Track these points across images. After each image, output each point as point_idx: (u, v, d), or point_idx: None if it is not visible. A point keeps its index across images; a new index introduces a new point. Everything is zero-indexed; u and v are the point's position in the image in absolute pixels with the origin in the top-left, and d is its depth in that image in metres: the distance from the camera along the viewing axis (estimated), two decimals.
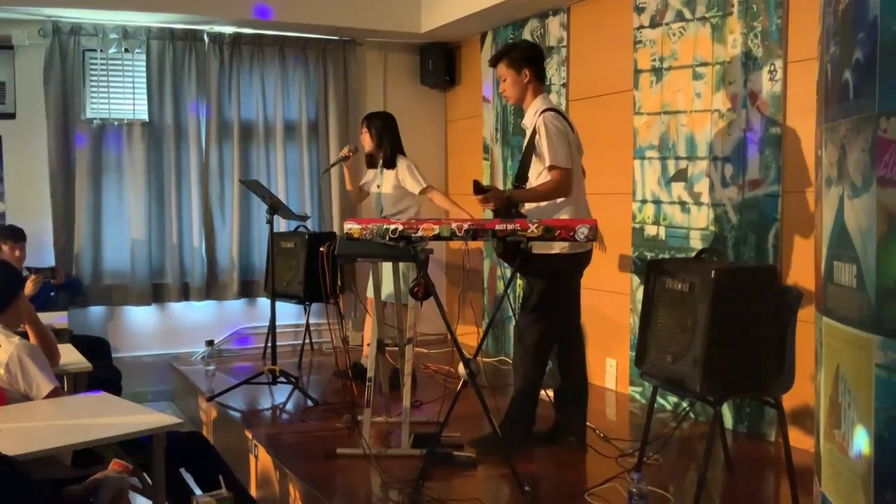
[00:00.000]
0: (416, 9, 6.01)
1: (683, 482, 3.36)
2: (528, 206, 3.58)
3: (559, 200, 3.55)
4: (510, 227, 3.02)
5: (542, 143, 3.52)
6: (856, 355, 1.88)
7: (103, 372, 4.28)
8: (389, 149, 4.71)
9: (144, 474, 2.64)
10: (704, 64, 4.15)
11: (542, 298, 3.53)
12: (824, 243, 2.10)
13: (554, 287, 3.56)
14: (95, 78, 5.66)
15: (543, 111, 3.60)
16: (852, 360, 1.91)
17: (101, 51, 5.62)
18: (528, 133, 3.64)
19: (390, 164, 4.71)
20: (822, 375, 2.16)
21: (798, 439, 3.41)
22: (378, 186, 4.78)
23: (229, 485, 2.79)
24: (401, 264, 4.16)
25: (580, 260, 3.64)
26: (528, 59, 3.68)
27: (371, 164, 4.88)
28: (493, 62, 3.77)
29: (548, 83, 5.32)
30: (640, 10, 4.54)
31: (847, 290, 1.92)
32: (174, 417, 2.73)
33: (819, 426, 2.20)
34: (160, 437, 2.58)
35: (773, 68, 3.79)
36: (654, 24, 4.45)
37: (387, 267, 4.64)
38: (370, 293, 4.83)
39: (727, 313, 2.86)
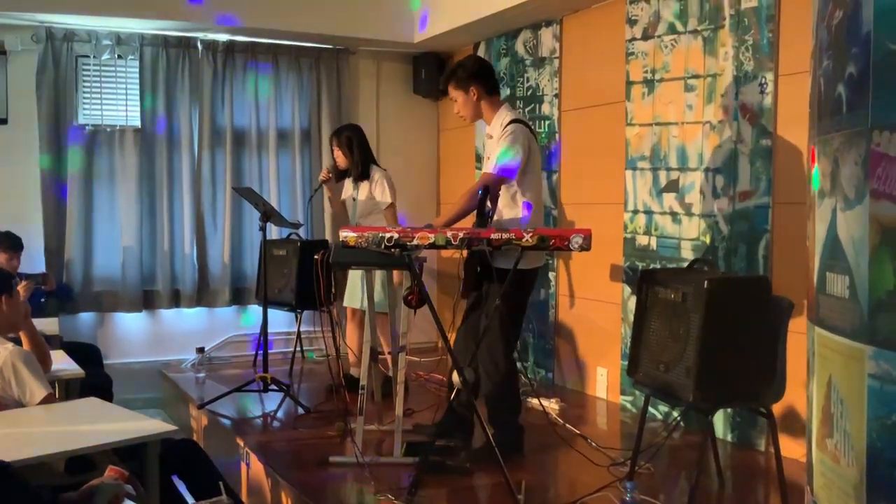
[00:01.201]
0: (409, 18, 6.04)
1: (675, 491, 3.38)
2: (498, 212, 3.63)
3: (520, 208, 3.61)
4: (505, 235, 3.04)
5: (497, 147, 3.57)
6: (848, 365, 1.90)
7: (94, 379, 4.25)
8: (361, 161, 4.73)
9: (138, 482, 2.63)
10: (696, 76, 4.19)
11: (506, 308, 3.55)
12: (816, 254, 2.13)
13: (517, 298, 3.60)
14: (88, 84, 5.66)
15: (512, 122, 3.64)
16: (845, 370, 1.93)
17: (94, 57, 5.62)
18: (495, 140, 3.66)
19: (363, 175, 4.74)
20: (815, 385, 2.18)
21: (788, 448, 3.44)
22: (354, 200, 4.83)
23: (226, 492, 2.79)
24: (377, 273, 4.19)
25: (537, 273, 3.75)
26: (473, 77, 3.71)
27: (346, 176, 4.89)
28: (442, 86, 3.83)
29: (540, 93, 5.36)
30: (632, 22, 4.58)
31: (839, 300, 1.94)
32: (168, 424, 2.73)
33: (811, 435, 2.22)
34: (154, 444, 2.58)
35: (763, 81, 3.83)
36: (646, 37, 4.49)
37: (355, 275, 4.68)
38: (347, 302, 4.85)
39: (719, 323, 2.88)
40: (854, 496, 1.88)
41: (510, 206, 3.64)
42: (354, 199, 4.82)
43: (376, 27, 5.98)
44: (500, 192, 3.63)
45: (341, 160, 4.79)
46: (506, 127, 3.63)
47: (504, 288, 3.23)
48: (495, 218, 3.63)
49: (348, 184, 4.93)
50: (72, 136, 5.56)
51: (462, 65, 3.79)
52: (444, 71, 3.93)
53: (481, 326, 3.55)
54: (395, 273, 4.25)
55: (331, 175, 4.81)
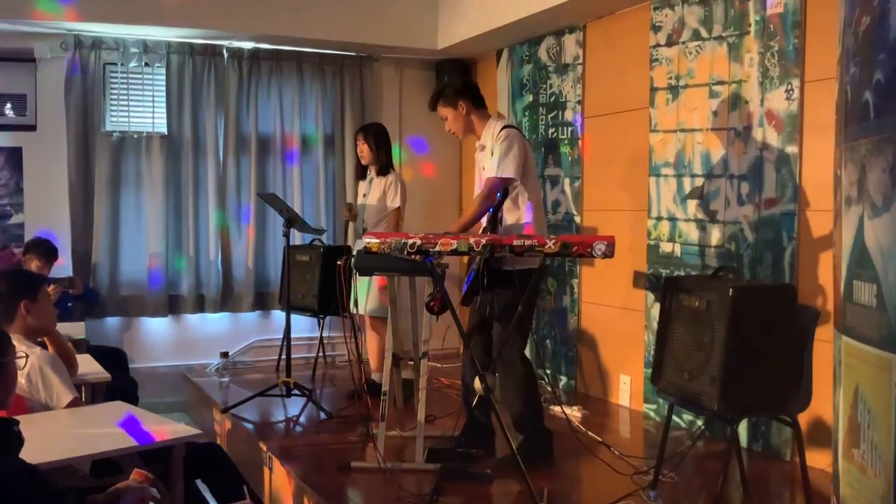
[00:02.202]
0: (432, 25, 6.06)
1: (698, 501, 3.35)
2: (505, 222, 3.66)
3: (522, 210, 3.66)
4: (528, 242, 3.03)
5: (496, 152, 3.63)
6: (876, 375, 1.88)
7: (120, 383, 4.29)
8: (385, 158, 4.91)
9: (162, 484, 2.65)
10: (721, 82, 4.17)
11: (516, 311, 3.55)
12: (844, 262, 2.11)
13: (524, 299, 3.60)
14: (115, 91, 5.73)
15: (504, 128, 3.71)
16: (872, 380, 1.91)
17: (121, 64, 5.69)
18: (488, 151, 3.72)
19: (385, 171, 4.88)
20: (841, 394, 2.16)
21: (813, 458, 3.40)
22: (364, 196, 4.92)
23: (250, 495, 2.81)
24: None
25: (543, 274, 3.80)
26: (459, 93, 3.83)
27: (363, 175, 5.03)
28: (431, 107, 3.93)
29: (563, 100, 5.35)
30: (656, 28, 4.57)
31: (867, 309, 1.92)
32: (193, 428, 2.75)
33: (837, 445, 2.20)
34: (180, 447, 2.60)
35: (789, 87, 3.80)
36: (670, 43, 4.48)
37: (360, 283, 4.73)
38: (360, 309, 4.87)
39: (745, 331, 2.86)
40: None
41: (511, 210, 3.69)
42: (365, 198, 4.91)
43: (399, 35, 6.00)
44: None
45: (366, 154, 4.91)
46: (499, 133, 3.67)
47: (508, 292, 3.23)
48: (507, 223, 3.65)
49: (361, 186, 5.04)
50: (99, 142, 5.63)
51: (447, 84, 4.01)
52: (432, 94, 4.02)
53: (496, 334, 3.56)
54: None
55: (351, 210, 4.97)
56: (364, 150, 4.91)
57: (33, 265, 4.80)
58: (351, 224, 5.13)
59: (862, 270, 1.96)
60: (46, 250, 4.90)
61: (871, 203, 1.90)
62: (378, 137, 4.91)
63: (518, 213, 3.68)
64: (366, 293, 4.82)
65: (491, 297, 3.63)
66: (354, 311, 4.90)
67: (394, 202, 4.85)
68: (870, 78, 1.93)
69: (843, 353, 2.12)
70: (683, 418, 4.35)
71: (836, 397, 2.23)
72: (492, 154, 3.68)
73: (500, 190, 3.64)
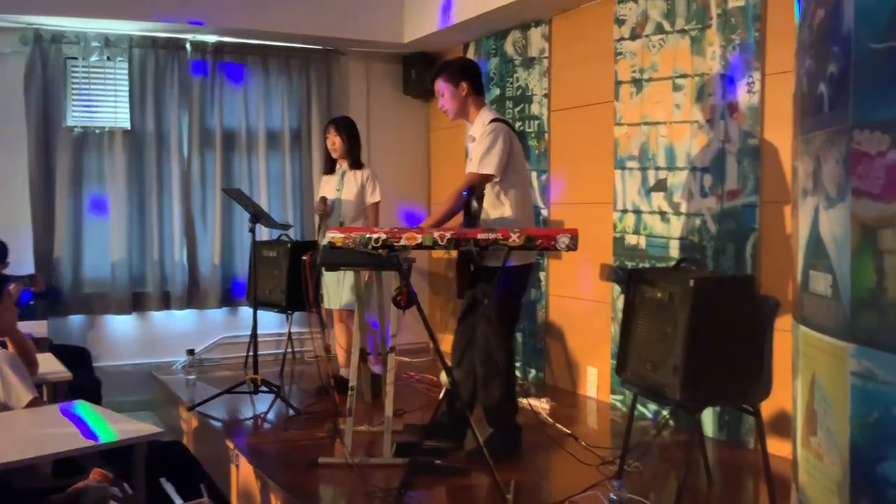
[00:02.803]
0: (398, 19, 6.04)
1: (664, 490, 3.39)
2: (484, 211, 3.64)
3: (506, 206, 3.63)
4: (492, 236, 3.04)
5: (479, 146, 3.61)
6: (831, 363, 1.91)
7: (83, 381, 4.24)
8: (358, 151, 4.89)
9: (125, 484, 2.63)
10: (684, 76, 4.20)
11: (500, 308, 3.56)
12: (800, 253, 2.14)
13: (510, 295, 3.61)
14: (77, 86, 5.64)
15: (492, 121, 3.68)
16: (828, 369, 1.94)
17: (82, 59, 5.60)
18: (477, 141, 3.70)
19: (358, 164, 4.85)
20: (799, 383, 2.19)
21: (776, 446, 3.45)
22: (338, 190, 4.84)
23: (211, 494, 2.79)
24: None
25: (531, 271, 3.77)
26: (465, 73, 3.76)
27: (331, 169, 4.96)
28: (432, 78, 3.86)
29: (530, 93, 5.36)
30: (620, 22, 4.59)
31: (823, 299, 1.95)
32: (155, 426, 2.72)
33: (796, 433, 2.23)
34: (141, 446, 2.57)
35: (751, 80, 3.84)
36: (634, 36, 4.50)
37: (329, 277, 4.71)
38: (331, 304, 4.85)
39: (706, 322, 2.89)
40: (837, 493, 1.89)
41: (495, 205, 3.66)
42: (339, 192, 4.83)
43: (366, 28, 5.98)
44: (486, 191, 3.64)
45: (338, 147, 4.84)
46: (486, 126, 3.65)
47: (495, 287, 3.24)
48: (482, 218, 3.64)
49: (329, 180, 4.95)
50: (61, 137, 5.54)
51: (453, 61, 3.89)
52: (434, 67, 3.96)
53: (477, 327, 3.56)
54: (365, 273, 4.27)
55: (326, 206, 4.84)
56: (336, 143, 4.84)
57: None
58: (323, 220, 5.06)
59: (817, 261, 1.99)
60: None
61: (826, 194, 1.93)
62: (350, 130, 4.87)
63: (502, 208, 3.65)
64: (339, 288, 4.79)
65: (476, 291, 3.64)
66: (326, 307, 4.90)
67: (374, 197, 4.80)
68: (824, 70, 1.95)
69: (801, 343, 2.15)
70: (649, 408, 4.39)
71: (794, 386, 2.26)
72: None
73: (477, 185, 3.61)
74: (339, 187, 4.86)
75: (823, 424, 1.98)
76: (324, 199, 4.89)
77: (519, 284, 3.70)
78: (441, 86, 3.78)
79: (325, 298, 4.83)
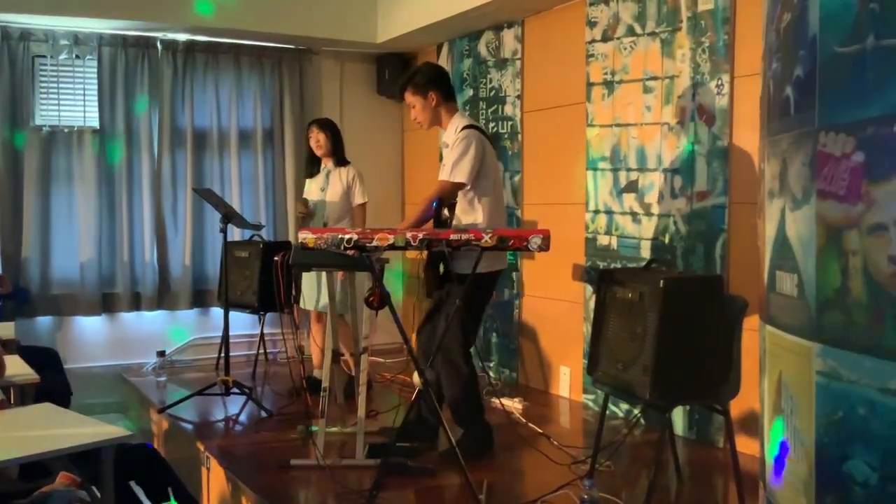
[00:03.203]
0: (372, 19, 6.03)
1: (635, 488, 3.41)
2: (457, 217, 3.66)
3: (479, 212, 3.64)
4: (464, 236, 3.04)
5: (451, 154, 3.60)
6: (797, 362, 1.94)
7: (51, 384, 4.18)
8: (341, 148, 4.87)
9: (93, 487, 2.60)
10: (654, 78, 4.24)
11: (460, 310, 3.56)
12: (767, 253, 2.17)
13: (476, 300, 3.62)
14: (45, 84, 5.57)
15: (465, 128, 3.67)
16: (794, 368, 1.97)
17: (51, 57, 5.53)
18: (449, 148, 3.70)
19: (343, 162, 4.83)
20: (766, 382, 2.22)
21: (746, 445, 3.49)
22: (322, 190, 4.81)
23: (179, 497, 2.76)
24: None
25: (499, 277, 3.78)
26: (432, 82, 3.74)
27: (314, 169, 4.93)
28: (399, 91, 3.83)
29: (503, 94, 5.38)
30: (592, 24, 4.62)
31: (788, 299, 1.98)
32: (123, 430, 2.69)
33: (764, 432, 2.26)
34: (108, 449, 2.54)
35: (720, 83, 3.88)
36: (605, 38, 4.53)
37: (309, 277, 4.68)
38: (307, 305, 4.83)
39: (676, 322, 2.92)
40: (804, 491, 1.91)
41: (467, 212, 3.66)
42: (323, 192, 4.79)
43: (339, 28, 5.96)
44: (458, 198, 3.65)
45: (323, 144, 4.80)
46: (459, 132, 3.65)
47: (463, 292, 3.24)
48: (454, 224, 3.64)
49: (313, 184, 4.92)
50: (28, 136, 5.46)
51: (419, 70, 3.83)
52: (402, 76, 3.93)
53: (439, 329, 3.56)
54: (341, 273, 4.25)
55: (306, 209, 4.81)
56: (321, 140, 4.79)
57: None
58: (305, 223, 5.01)
59: (784, 261, 2.01)
60: None
61: (792, 196, 1.96)
62: (334, 129, 4.85)
63: (475, 214, 3.65)
64: (316, 289, 4.76)
65: (442, 293, 3.64)
66: (303, 307, 4.87)
67: (360, 197, 4.76)
68: (791, 73, 1.98)
69: (768, 342, 2.18)
70: (621, 408, 4.42)
71: (761, 385, 2.29)
72: None
73: (448, 193, 3.61)
74: (323, 186, 4.81)
75: (790, 423, 2.01)
76: (304, 200, 4.84)
77: (486, 290, 3.71)
78: (410, 98, 3.77)
79: (302, 299, 4.81)
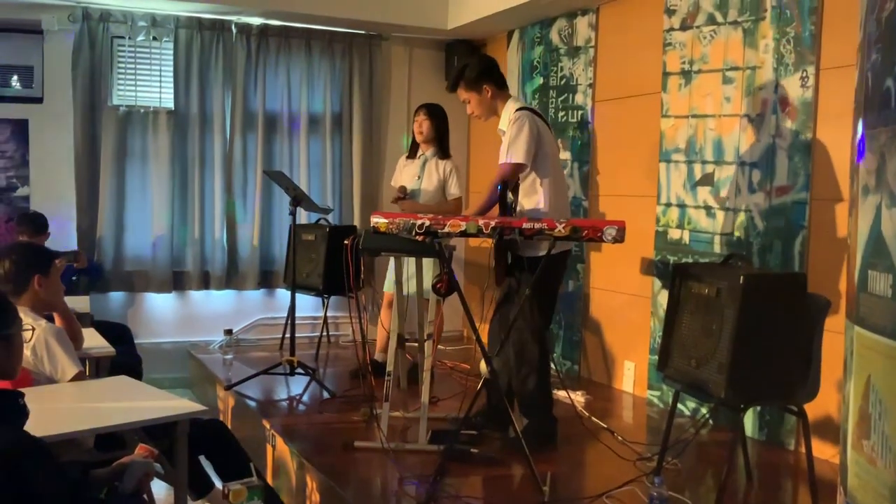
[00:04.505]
0: (443, 5, 6.01)
1: (701, 488, 3.35)
2: (521, 202, 3.61)
3: (539, 194, 3.59)
4: (537, 225, 3.01)
5: (507, 137, 3.58)
6: (889, 366, 1.86)
7: (124, 358, 4.29)
8: (446, 140, 4.79)
9: (166, 460, 2.65)
10: (735, 68, 4.12)
11: (540, 294, 3.53)
12: (859, 252, 2.08)
13: (545, 284, 3.56)
14: (123, 65, 5.69)
15: (517, 110, 3.64)
16: (885, 371, 1.89)
17: (129, 38, 5.65)
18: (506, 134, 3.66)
19: (445, 154, 4.75)
20: (852, 385, 2.14)
21: (817, 449, 3.39)
22: (418, 178, 4.78)
23: (246, 473, 2.80)
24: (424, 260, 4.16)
25: (565, 259, 3.73)
26: (484, 74, 3.71)
27: (413, 154, 4.88)
28: (451, 89, 3.80)
29: (574, 83, 5.31)
30: (670, 12, 4.52)
31: (882, 299, 1.90)
32: (198, 405, 2.74)
33: (846, 436, 2.18)
34: (184, 423, 2.59)
35: (804, 75, 3.76)
36: (684, 27, 4.43)
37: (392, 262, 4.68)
38: (387, 287, 4.84)
39: (754, 320, 2.84)
40: (890, 498, 1.84)
41: (529, 194, 3.63)
42: (419, 180, 4.76)
43: (409, 13, 5.95)
44: (521, 181, 3.61)
45: (426, 130, 4.73)
46: (512, 116, 3.62)
47: (534, 277, 3.21)
48: (518, 209, 3.61)
49: (408, 165, 4.87)
50: (106, 116, 5.60)
51: (469, 65, 3.79)
52: (451, 73, 3.90)
53: (511, 316, 3.53)
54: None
55: (403, 195, 4.75)
56: (425, 127, 4.72)
57: (23, 238, 4.79)
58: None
59: (877, 260, 1.93)
60: (36, 224, 4.88)
61: (890, 192, 1.87)
62: (441, 118, 4.75)
63: (536, 197, 3.62)
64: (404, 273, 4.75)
65: (512, 281, 3.61)
66: (385, 290, 4.85)
67: (455, 191, 4.71)
68: (892, 65, 1.89)
69: (856, 343, 2.10)
70: (687, 406, 4.34)
71: (846, 388, 2.21)
72: None
73: (510, 175, 3.59)
74: (419, 175, 4.77)
75: (878, 428, 1.93)
76: (403, 188, 4.78)
77: (555, 274, 3.66)
78: (464, 94, 3.74)
79: (399, 284, 4.80)
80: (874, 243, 1.97)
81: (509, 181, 3.61)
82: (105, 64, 5.58)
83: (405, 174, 4.86)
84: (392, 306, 4.88)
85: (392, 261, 4.74)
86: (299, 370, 4.60)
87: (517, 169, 3.58)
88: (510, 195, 3.65)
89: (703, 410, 4.16)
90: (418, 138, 4.80)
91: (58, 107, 5.51)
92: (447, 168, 4.74)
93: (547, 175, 3.62)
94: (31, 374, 2.86)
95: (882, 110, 1.96)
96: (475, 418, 3.63)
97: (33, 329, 2.83)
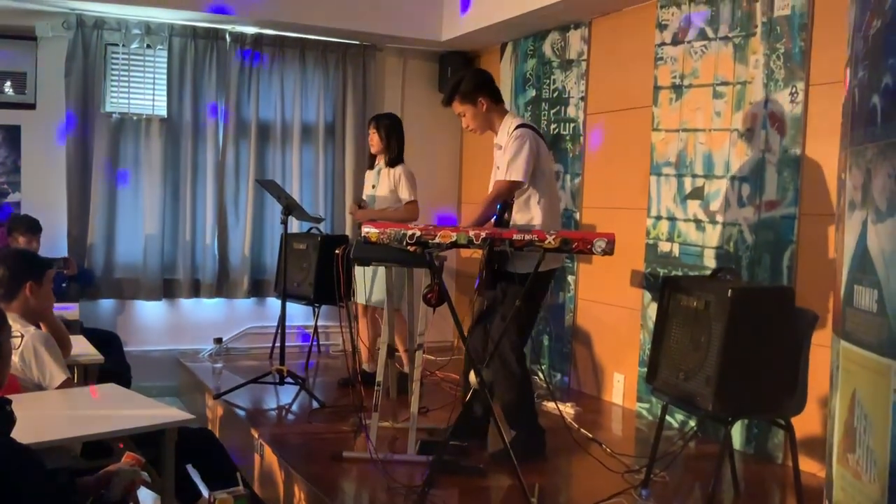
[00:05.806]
0: (437, 17, 6.04)
1: (688, 500, 3.36)
2: (514, 217, 3.63)
3: (534, 210, 3.61)
4: (527, 237, 3.02)
5: (507, 153, 3.58)
6: (874, 380, 1.87)
7: (113, 365, 4.28)
8: (396, 149, 4.85)
9: (153, 469, 2.64)
10: (725, 83, 4.15)
11: (519, 311, 3.53)
12: (845, 267, 2.10)
13: (530, 300, 3.56)
14: (116, 72, 5.70)
15: (518, 127, 3.64)
16: (870, 385, 1.91)
17: (123, 45, 5.66)
18: (503, 150, 3.67)
19: (394, 162, 4.84)
20: (838, 399, 2.15)
21: (803, 462, 3.39)
22: (373, 187, 4.90)
23: (234, 482, 2.79)
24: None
25: (554, 275, 3.75)
26: (479, 88, 3.70)
27: (371, 165, 5.03)
28: (446, 102, 3.78)
29: (566, 96, 5.34)
30: (662, 27, 4.55)
31: (867, 314, 1.91)
32: (185, 413, 2.74)
33: (832, 450, 2.19)
34: (172, 431, 2.59)
35: (794, 90, 3.79)
36: (675, 42, 4.46)
37: (362, 272, 4.71)
38: (360, 299, 4.86)
39: (742, 333, 2.85)
40: None
41: (523, 210, 3.64)
42: (374, 189, 4.88)
43: (403, 25, 5.98)
44: (514, 197, 3.62)
45: (375, 143, 4.88)
46: (512, 132, 3.62)
47: (524, 292, 3.22)
48: (511, 224, 3.62)
49: (367, 179, 5.02)
50: (98, 123, 5.60)
51: (464, 78, 3.78)
52: (446, 86, 3.89)
53: (493, 329, 3.55)
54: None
55: (358, 205, 4.93)
56: (374, 140, 4.87)
57: (21, 240, 4.79)
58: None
59: (863, 275, 1.95)
60: (29, 225, 4.89)
61: (876, 208, 1.89)
62: (390, 129, 4.85)
63: (529, 214, 3.63)
64: (370, 283, 4.79)
65: (497, 293, 3.62)
66: (355, 301, 4.90)
67: (405, 195, 4.78)
68: (878, 82, 1.91)
69: (842, 358, 2.11)
70: (675, 418, 4.35)
71: (832, 402, 2.22)
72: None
73: (507, 193, 3.60)
74: (375, 184, 4.90)
75: (863, 442, 1.94)
76: (359, 198, 4.92)
77: (542, 290, 3.68)
78: (459, 107, 3.73)
79: (389, 295, 4.83)
80: (860, 258, 1.99)
81: (504, 198, 3.62)
82: (98, 71, 5.58)
83: (367, 186, 4.99)
84: (365, 317, 4.95)
85: (357, 272, 4.78)
86: (289, 379, 4.59)
87: (515, 186, 3.59)
88: (506, 215, 3.66)
89: (692, 423, 4.17)
90: (371, 150, 4.95)
91: (51, 113, 5.51)
92: (396, 174, 4.82)
93: (542, 192, 3.63)
94: (19, 381, 2.85)
95: (868, 126, 1.98)
96: (452, 431, 3.61)
97: (21, 336, 2.83)
